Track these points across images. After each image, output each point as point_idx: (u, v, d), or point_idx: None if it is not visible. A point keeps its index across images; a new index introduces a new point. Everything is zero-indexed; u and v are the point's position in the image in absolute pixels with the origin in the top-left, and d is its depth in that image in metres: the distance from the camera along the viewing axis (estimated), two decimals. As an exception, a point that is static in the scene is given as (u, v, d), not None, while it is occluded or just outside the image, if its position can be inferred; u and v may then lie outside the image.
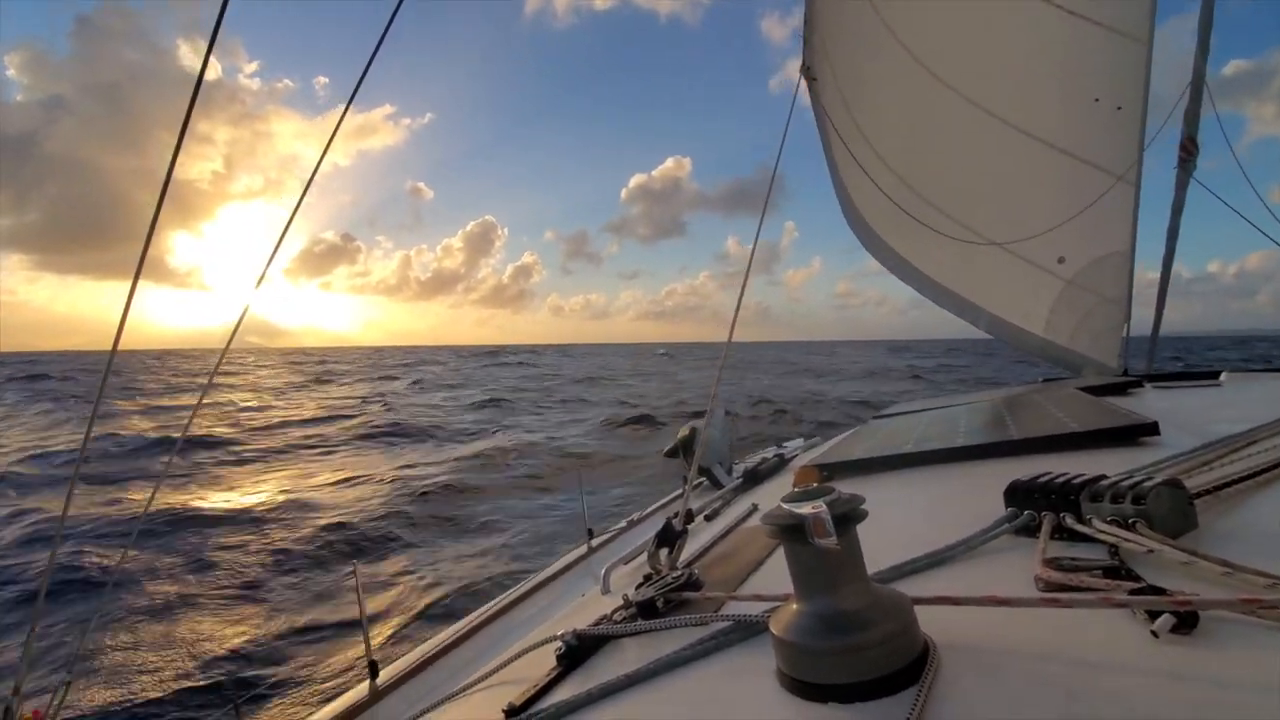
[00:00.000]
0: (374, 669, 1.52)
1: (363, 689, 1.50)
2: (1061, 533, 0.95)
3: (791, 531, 0.69)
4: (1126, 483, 0.93)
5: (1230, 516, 0.98)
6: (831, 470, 1.80)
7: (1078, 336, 4.19)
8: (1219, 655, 0.61)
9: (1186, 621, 0.65)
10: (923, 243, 4.20)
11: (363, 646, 1.53)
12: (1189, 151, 3.71)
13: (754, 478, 2.19)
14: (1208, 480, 1.07)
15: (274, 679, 3.79)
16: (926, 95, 4.07)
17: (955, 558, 0.97)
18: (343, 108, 1.39)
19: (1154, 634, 0.64)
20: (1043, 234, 3.70)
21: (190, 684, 3.84)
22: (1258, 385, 2.41)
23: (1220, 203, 3.61)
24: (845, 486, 1.79)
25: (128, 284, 1.18)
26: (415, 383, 31.48)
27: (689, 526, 1.63)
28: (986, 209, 4.25)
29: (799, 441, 3.25)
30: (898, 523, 1.27)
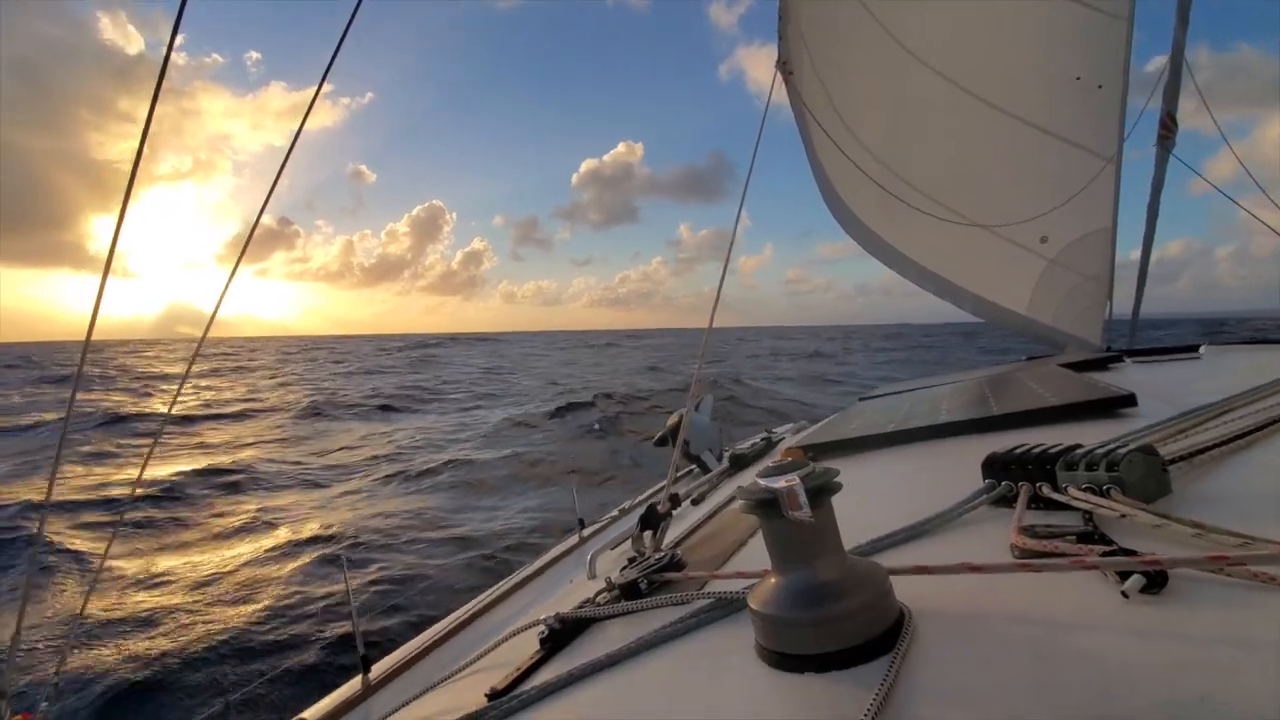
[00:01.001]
0: (366, 664, 1.52)
1: (355, 684, 1.49)
2: (1038, 502, 0.95)
3: (766, 506, 0.69)
4: (1101, 451, 0.94)
5: (1203, 482, 0.99)
6: (816, 451, 1.80)
7: (1061, 314, 4.23)
8: (1187, 613, 0.61)
9: (1156, 581, 0.65)
10: (906, 227, 4.20)
11: (355, 641, 1.52)
12: (1168, 129, 3.73)
13: (741, 462, 2.20)
14: (1182, 447, 1.07)
15: (266, 675, 3.77)
16: (907, 78, 4.06)
17: (933, 530, 0.97)
18: (312, 88, 1.36)
19: (1124, 595, 0.65)
20: (1033, 219, 3.71)
21: (180, 679, 3.82)
22: (1236, 356, 2.44)
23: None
24: (833, 466, 1.80)
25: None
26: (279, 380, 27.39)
27: (675, 511, 1.64)
28: (971, 191, 4.26)
29: (789, 426, 3.28)
30: (880, 499, 1.27)
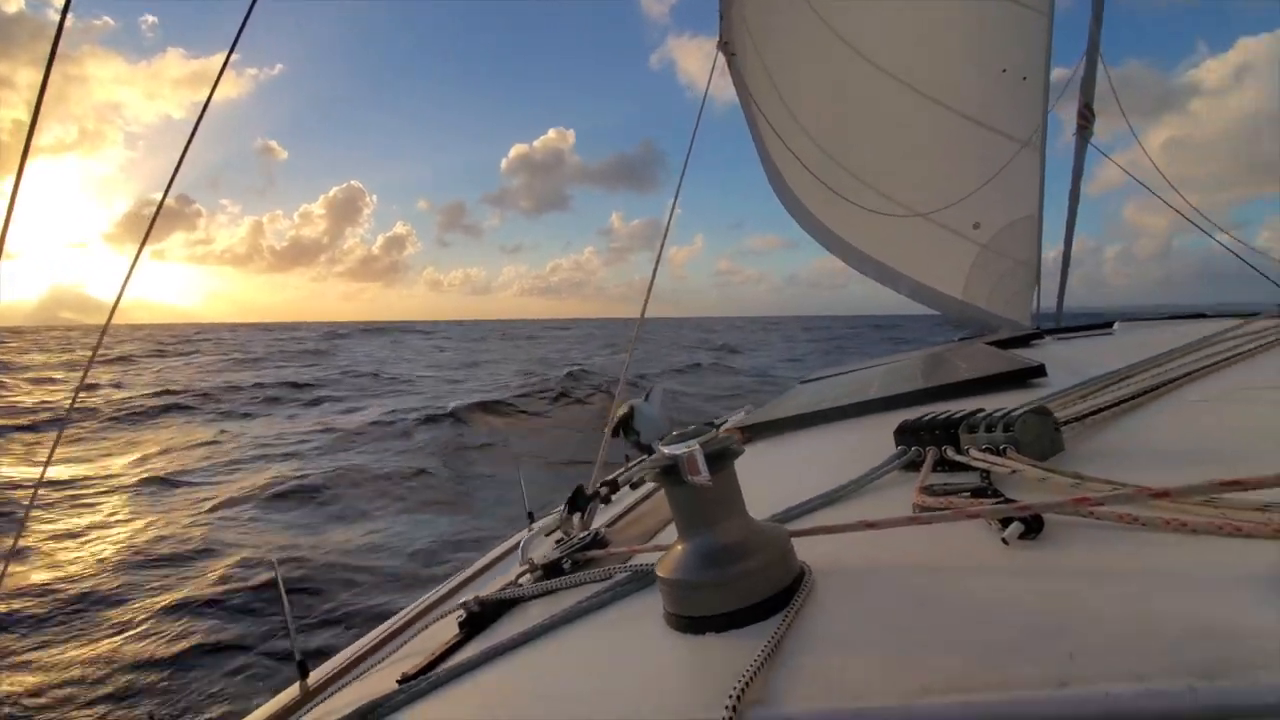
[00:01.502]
0: (303, 669, 1.47)
1: (293, 691, 1.45)
2: (944, 465, 0.99)
3: (668, 473, 0.70)
4: (1000, 414, 0.98)
5: (1094, 440, 1.05)
6: (752, 431, 1.83)
7: (994, 298, 4.42)
8: (1059, 554, 0.65)
9: (1033, 528, 0.69)
10: (847, 212, 4.32)
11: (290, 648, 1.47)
12: (1086, 119, 3.92)
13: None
14: (1077, 410, 1.14)
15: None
16: (845, 67, 4.15)
17: (845, 496, 1.00)
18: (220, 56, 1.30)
19: (1004, 541, 0.68)
20: (957, 203, 3.86)
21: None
22: (1146, 331, 2.60)
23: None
24: (765, 444, 1.85)
25: None
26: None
27: (615, 496, 1.64)
28: (906, 178, 4.40)
29: (740, 414, 3.33)
30: (803, 473, 1.30)
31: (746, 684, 0.52)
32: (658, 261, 1.81)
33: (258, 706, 1.50)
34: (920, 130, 4.34)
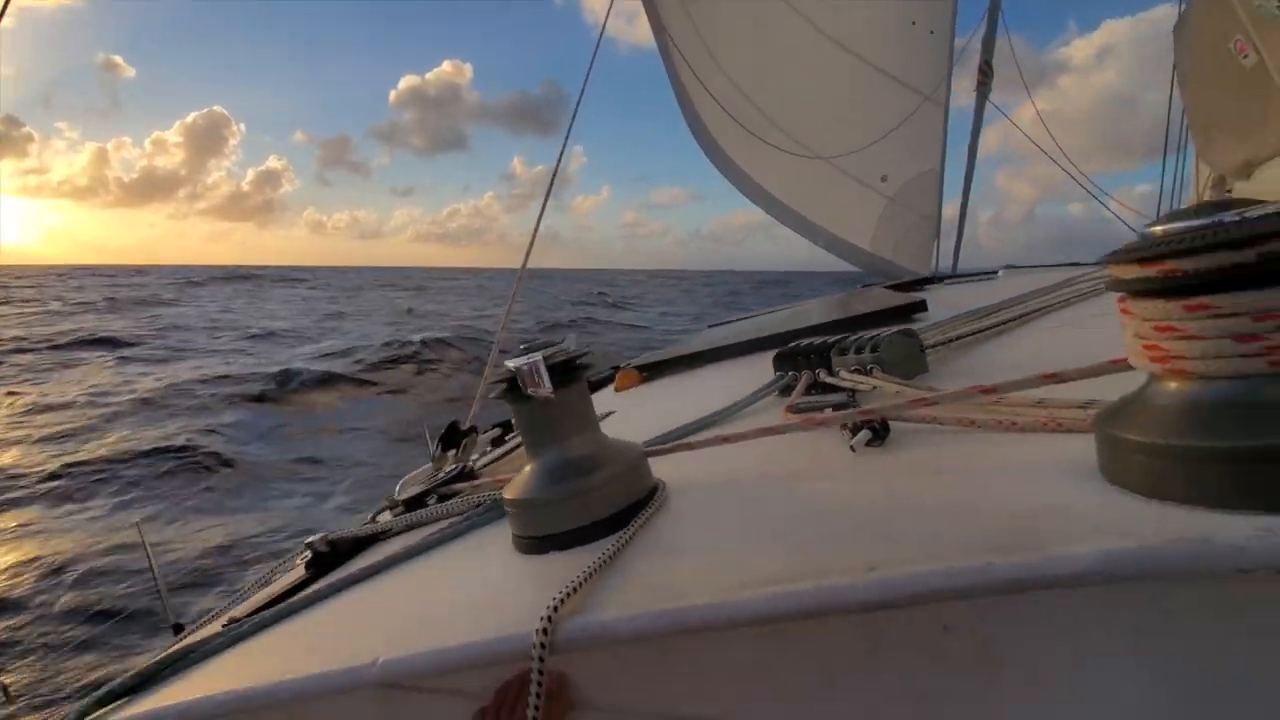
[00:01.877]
0: (178, 630, 1.37)
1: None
2: (817, 388, 1.01)
3: (511, 389, 0.66)
4: (869, 338, 1.00)
5: (955, 362, 1.10)
6: (650, 370, 1.83)
7: (899, 250, 4.61)
8: (900, 456, 0.68)
9: (880, 435, 0.71)
10: (766, 161, 4.33)
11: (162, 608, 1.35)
12: (985, 75, 4.07)
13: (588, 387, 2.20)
14: (944, 335, 1.19)
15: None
16: (764, 7, 4.09)
17: (722, 419, 1.01)
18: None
19: (852, 449, 0.69)
20: (863, 149, 3.94)
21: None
22: (1027, 276, 2.78)
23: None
24: (662, 381, 1.85)
25: None
26: None
27: (509, 437, 1.59)
28: (820, 125, 4.44)
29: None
30: (691, 404, 1.31)
31: (566, 596, 0.50)
32: (543, 209, 1.74)
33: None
34: (836, 79, 4.37)
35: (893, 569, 0.44)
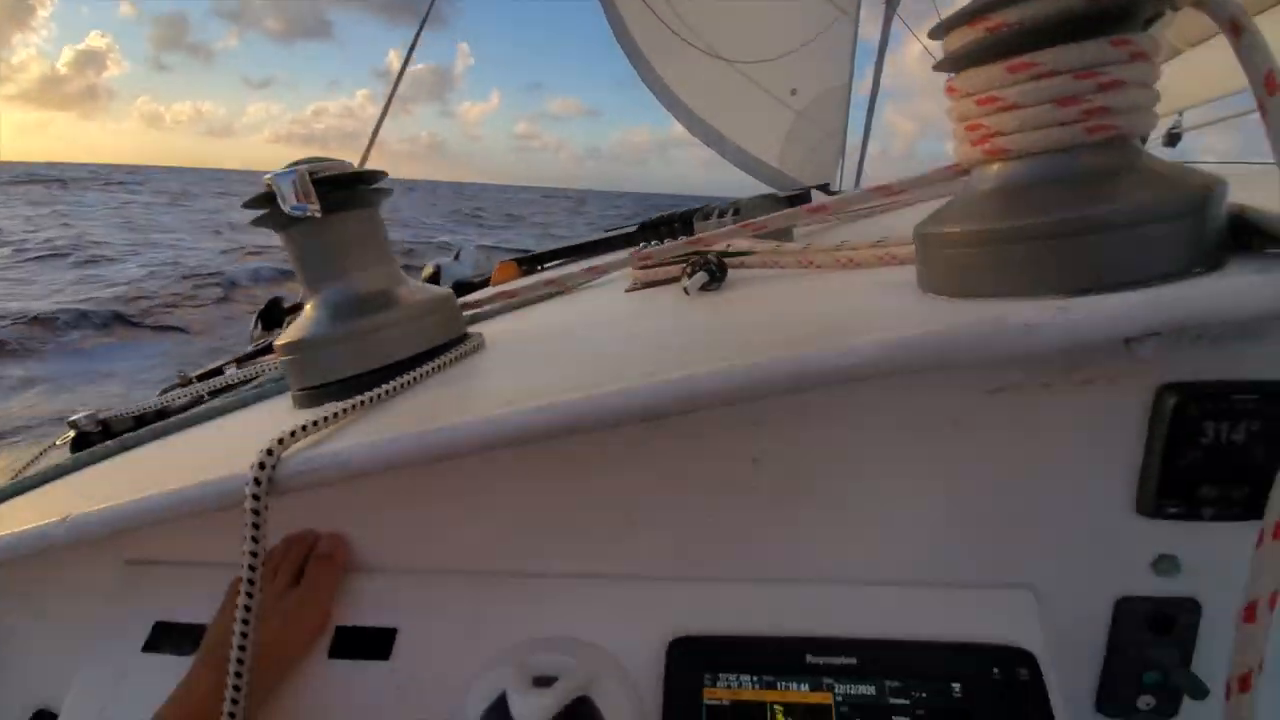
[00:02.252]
0: None
1: None
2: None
3: (272, 211, 0.54)
4: (731, 201, 0.94)
5: (822, 235, 1.07)
6: (529, 263, 1.72)
7: (804, 168, 4.60)
8: (734, 294, 0.62)
9: (716, 276, 0.65)
10: (683, 71, 4.13)
11: None
12: (896, -14, 3.99)
13: (465, 288, 2.06)
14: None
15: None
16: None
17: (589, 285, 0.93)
18: None
19: (685, 290, 0.64)
20: (774, 60, 3.82)
21: None
22: None
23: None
24: (546, 272, 1.76)
25: None
26: None
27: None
28: (738, 35, 4.25)
29: None
30: None
31: (298, 431, 0.42)
32: (385, 108, 1.50)
33: None
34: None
35: (670, 374, 0.38)
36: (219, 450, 0.56)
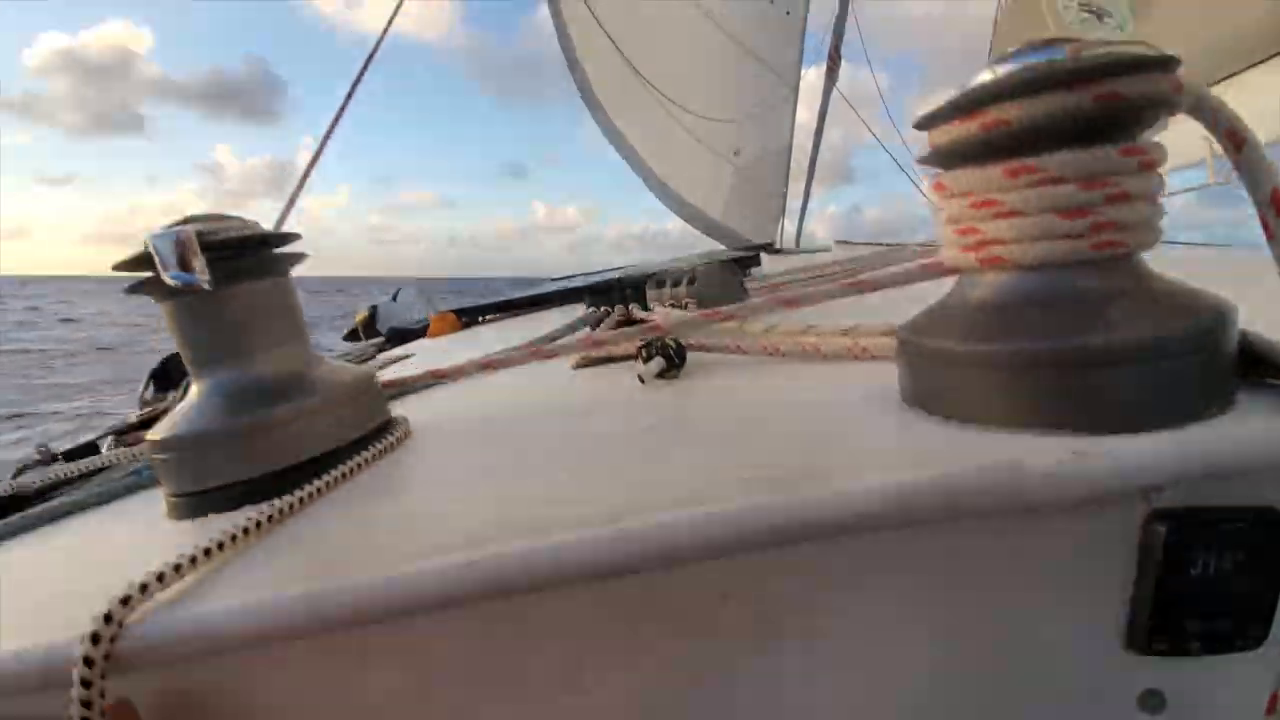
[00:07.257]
0: None
1: None
2: (629, 323, 0.89)
3: (152, 277, 0.44)
4: (687, 269, 0.90)
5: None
6: (469, 314, 1.63)
7: (745, 223, 4.74)
8: (693, 385, 0.57)
9: (674, 363, 0.60)
10: (638, 127, 4.20)
11: None
12: (834, 61, 4.25)
13: (402, 336, 1.94)
14: (768, 284, 1.13)
15: None
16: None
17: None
18: None
19: (640, 378, 0.57)
20: (722, 121, 3.95)
21: None
22: (854, 249, 2.96)
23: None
24: (481, 328, 1.67)
25: None
26: None
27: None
28: (689, 94, 4.38)
29: None
30: (500, 345, 1.15)
31: (145, 585, 0.32)
32: (287, 208, 1.36)
33: None
34: (703, 49, 4.32)
35: (642, 516, 0.31)
36: (70, 571, 0.44)
